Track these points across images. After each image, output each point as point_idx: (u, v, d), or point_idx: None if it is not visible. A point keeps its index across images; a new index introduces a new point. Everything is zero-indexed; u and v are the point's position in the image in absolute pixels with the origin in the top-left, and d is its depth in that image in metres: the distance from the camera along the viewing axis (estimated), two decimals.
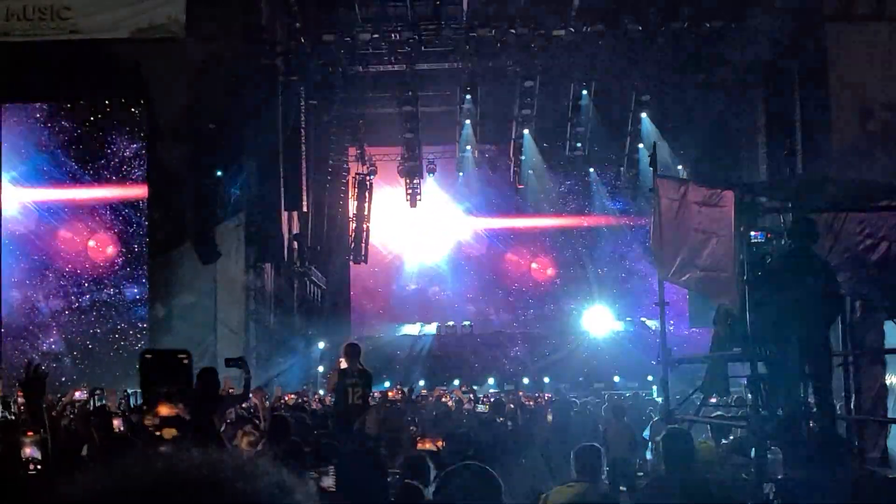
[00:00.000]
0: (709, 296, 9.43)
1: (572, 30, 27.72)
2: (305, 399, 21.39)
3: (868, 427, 9.56)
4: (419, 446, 9.20)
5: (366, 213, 36.82)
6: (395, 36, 28.42)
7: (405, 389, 19.35)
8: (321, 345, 31.55)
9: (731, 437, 12.18)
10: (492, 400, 19.66)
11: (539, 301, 38.80)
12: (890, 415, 9.55)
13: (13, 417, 12.98)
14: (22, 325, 25.06)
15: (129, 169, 25.24)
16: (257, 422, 11.63)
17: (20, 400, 14.97)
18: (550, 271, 39.21)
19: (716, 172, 28.03)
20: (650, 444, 14.70)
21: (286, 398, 19.87)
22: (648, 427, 15.69)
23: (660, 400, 17.59)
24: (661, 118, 31.20)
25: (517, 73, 30.42)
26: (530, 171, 35.58)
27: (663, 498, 6.71)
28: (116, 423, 8.75)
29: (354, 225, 36.80)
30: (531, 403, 21.96)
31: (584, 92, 31.55)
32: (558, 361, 35.09)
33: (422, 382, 30.76)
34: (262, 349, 25.61)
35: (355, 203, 36.74)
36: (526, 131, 33.27)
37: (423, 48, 28.73)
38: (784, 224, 9.74)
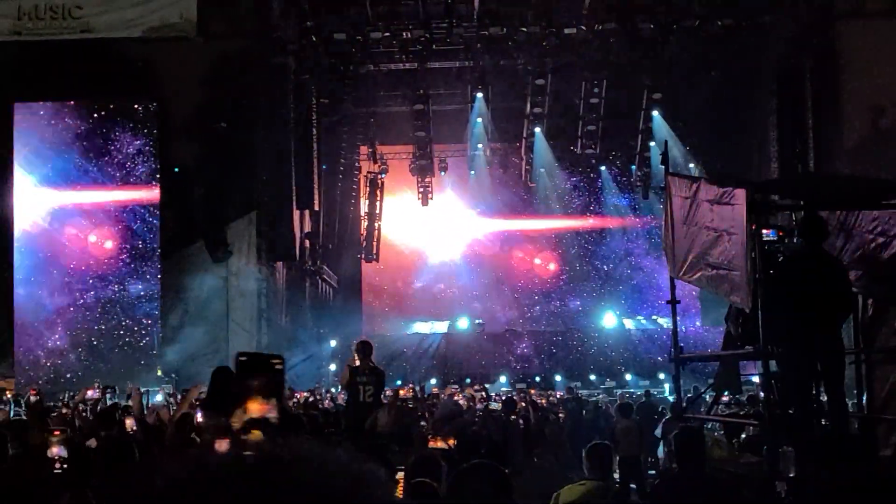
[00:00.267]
0: (721, 294, 9.39)
1: (584, 28, 27.70)
2: (319, 396, 21.41)
3: (880, 425, 9.53)
4: (430, 444, 9.18)
5: (377, 211, 36.85)
6: (407, 34, 28.42)
7: (416, 388, 19.36)
8: (332, 343, 31.61)
9: (744, 436, 12.19)
10: (503, 398, 19.63)
11: (545, 298, 38.69)
12: None
13: (25, 417, 13.01)
14: (28, 322, 25.19)
15: (132, 166, 25.26)
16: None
17: (32, 399, 15.07)
18: (553, 266, 39.03)
19: (727, 170, 27.94)
20: (662, 441, 14.72)
21: (298, 396, 19.88)
22: (660, 425, 15.70)
23: (672, 398, 17.60)
24: (672, 116, 31.11)
25: (528, 71, 30.40)
26: (542, 169, 35.54)
27: (675, 496, 6.71)
28: (129, 422, 8.74)
29: (366, 223, 36.84)
30: (543, 402, 21.95)
31: (596, 90, 31.47)
32: (569, 359, 35.07)
33: (433, 381, 30.75)
34: (273, 347, 25.64)
35: (367, 201, 36.78)
36: (537, 129, 33.22)
37: (434, 46, 28.74)
38: (796, 222, 9.71)
